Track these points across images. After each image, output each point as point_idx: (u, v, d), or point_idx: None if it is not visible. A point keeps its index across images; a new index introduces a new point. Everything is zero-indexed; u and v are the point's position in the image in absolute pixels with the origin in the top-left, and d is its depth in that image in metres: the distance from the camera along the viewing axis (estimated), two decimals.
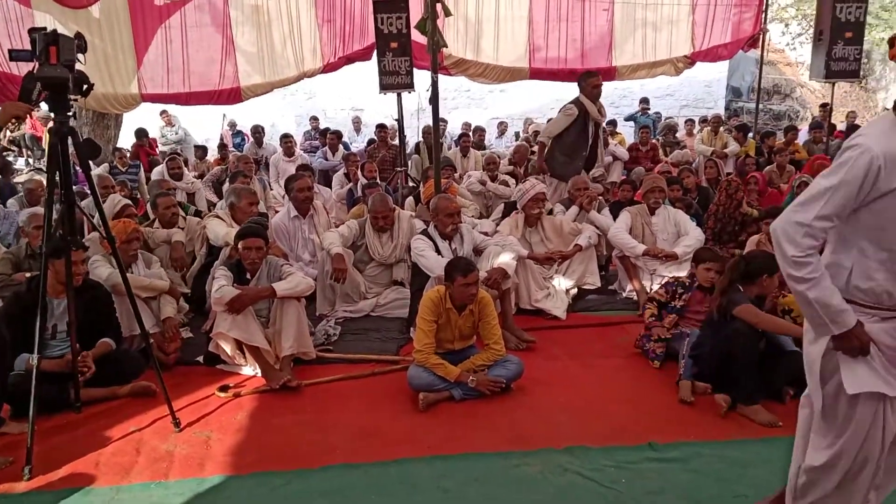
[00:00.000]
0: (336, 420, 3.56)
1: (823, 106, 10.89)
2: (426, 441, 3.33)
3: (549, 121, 8.01)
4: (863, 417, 2.07)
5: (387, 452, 3.23)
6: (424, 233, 4.76)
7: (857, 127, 10.44)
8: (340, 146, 10.21)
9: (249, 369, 4.11)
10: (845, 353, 2.03)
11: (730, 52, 10.07)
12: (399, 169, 8.25)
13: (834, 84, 8.50)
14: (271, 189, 8.49)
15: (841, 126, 11.12)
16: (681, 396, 3.69)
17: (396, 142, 8.78)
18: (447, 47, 6.41)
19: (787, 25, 16.49)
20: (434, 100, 5.15)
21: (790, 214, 2.00)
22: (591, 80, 6.55)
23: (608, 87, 13.79)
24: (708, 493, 2.87)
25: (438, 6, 5.08)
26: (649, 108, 12.68)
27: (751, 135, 10.10)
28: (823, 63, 7.73)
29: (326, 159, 9.92)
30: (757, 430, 3.35)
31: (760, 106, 11.05)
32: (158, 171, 8.28)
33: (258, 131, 10.59)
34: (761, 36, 9.79)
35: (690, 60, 9.84)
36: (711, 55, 9.87)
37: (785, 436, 3.03)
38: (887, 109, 2.12)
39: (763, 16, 9.74)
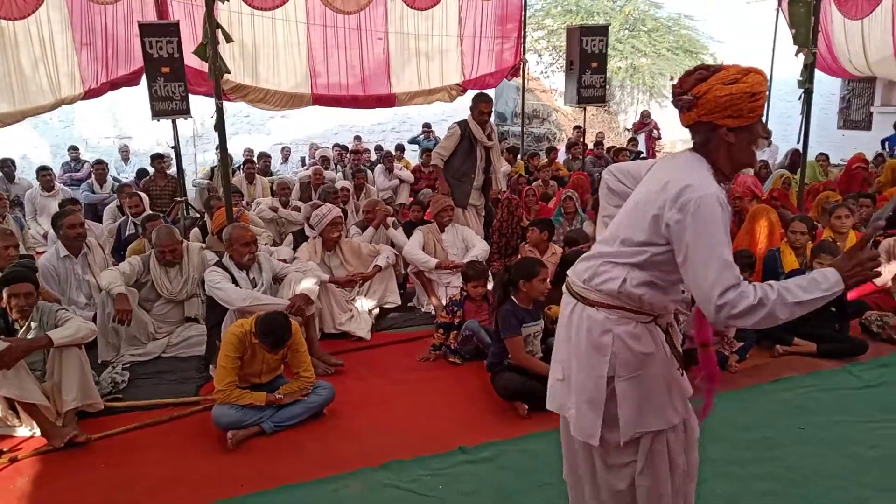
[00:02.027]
0: (136, 473, 3.30)
1: (577, 128, 12.18)
2: (239, 480, 3.22)
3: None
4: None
5: (197, 499, 3.07)
6: (219, 264, 4.57)
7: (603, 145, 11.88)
8: (109, 177, 9.40)
9: (26, 430, 3.64)
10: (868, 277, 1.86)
11: (496, 80, 10.99)
12: (179, 199, 7.81)
13: (585, 108, 9.56)
14: (29, 228, 7.59)
15: (591, 145, 12.52)
16: None
17: (173, 171, 8.31)
18: (230, 73, 6.18)
19: (540, 56, 18.21)
20: (220, 126, 4.97)
21: (718, 290, 1.80)
22: (480, 106, 6.19)
23: (388, 113, 14.33)
24: (516, 487, 3.12)
25: (218, 31, 4.93)
26: (432, 132, 13.27)
27: (519, 156, 11.03)
28: (575, 90, 8.59)
29: (94, 192, 9.06)
30: (552, 423, 3.68)
31: (524, 129, 12.12)
32: None
33: (7, 165, 9.36)
34: (522, 66, 10.78)
35: (462, 88, 10.59)
36: (480, 83, 10.65)
37: None
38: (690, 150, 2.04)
39: (522, 47, 10.73)
